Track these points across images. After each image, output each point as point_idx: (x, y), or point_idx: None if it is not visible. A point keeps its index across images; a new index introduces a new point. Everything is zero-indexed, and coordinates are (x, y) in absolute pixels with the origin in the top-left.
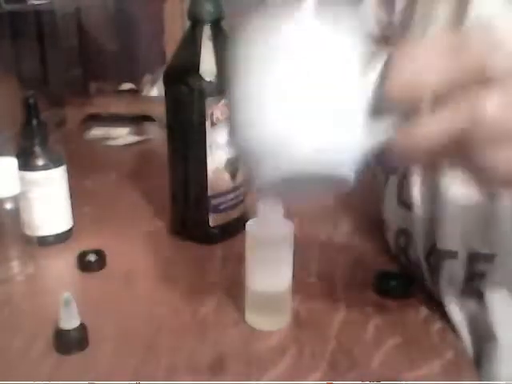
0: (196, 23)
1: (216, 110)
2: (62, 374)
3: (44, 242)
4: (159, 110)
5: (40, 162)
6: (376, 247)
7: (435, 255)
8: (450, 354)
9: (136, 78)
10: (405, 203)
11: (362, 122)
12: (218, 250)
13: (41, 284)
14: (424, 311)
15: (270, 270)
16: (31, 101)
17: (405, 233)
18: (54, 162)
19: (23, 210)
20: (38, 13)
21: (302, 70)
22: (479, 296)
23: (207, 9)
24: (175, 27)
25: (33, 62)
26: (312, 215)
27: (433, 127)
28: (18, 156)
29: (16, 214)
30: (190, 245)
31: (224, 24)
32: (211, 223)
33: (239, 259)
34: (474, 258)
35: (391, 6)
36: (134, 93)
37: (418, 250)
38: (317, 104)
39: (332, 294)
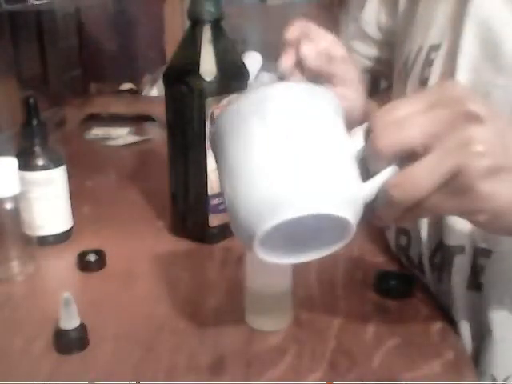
0: (196, 23)
1: (216, 110)
2: (62, 374)
3: (44, 241)
4: (159, 110)
5: (40, 162)
6: (376, 247)
7: (443, 252)
8: (449, 354)
9: (136, 78)
10: None
11: (354, 176)
12: (218, 250)
13: (41, 284)
14: (424, 311)
15: (269, 270)
16: (31, 101)
17: (405, 232)
18: (54, 162)
19: (23, 209)
20: (37, 13)
21: (289, 133)
22: (480, 291)
23: (207, 9)
24: (175, 27)
25: (33, 62)
26: None
27: (431, 167)
28: (17, 156)
29: (16, 213)
30: (190, 245)
31: (224, 24)
32: (211, 223)
33: (239, 259)
34: (476, 252)
35: (394, 8)
36: (134, 93)
37: (422, 248)
38: (309, 163)
39: (332, 294)
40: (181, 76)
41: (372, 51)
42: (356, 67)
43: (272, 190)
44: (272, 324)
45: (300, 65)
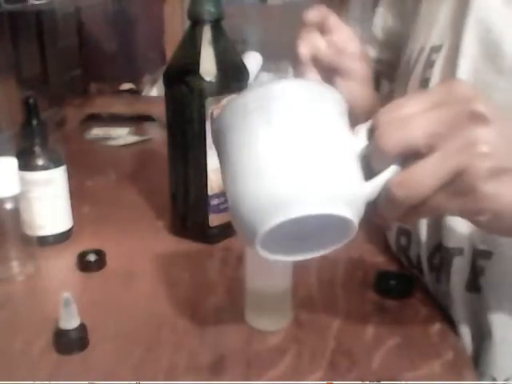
0: (196, 23)
1: (216, 110)
2: (62, 374)
3: (44, 241)
4: (159, 110)
5: (40, 162)
6: (376, 247)
7: (442, 253)
8: (449, 354)
9: (136, 78)
10: None
11: (357, 175)
12: (218, 249)
13: (41, 284)
14: (424, 311)
15: (270, 269)
16: (31, 101)
17: (405, 233)
18: (54, 162)
19: (23, 209)
20: (37, 13)
21: (294, 131)
22: (479, 292)
23: (207, 9)
24: (175, 27)
25: (33, 62)
26: None
27: (434, 167)
28: (17, 156)
29: (16, 213)
30: (190, 245)
31: (224, 24)
32: (211, 223)
33: (239, 259)
34: (475, 254)
35: (403, 8)
36: (134, 93)
37: (421, 249)
38: (313, 162)
39: (332, 294)
40: (181, 76)
41: (373, 52)
42: (368, 63)
43: (276, 189)
44: (272, 324)
45: (313, 54)
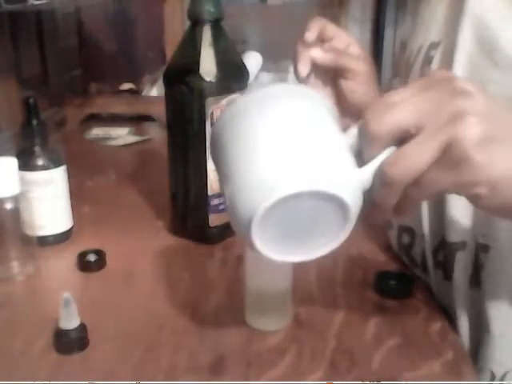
0: (196, 23)
1: (216, 109)
2: (62, 374)
3: (44, 241)
4: (159, 110)
5: (40, 162)
6: (376, 247)
7: (446, 249)
8: (449, 354)
9: (136, 78)
10: None
11: (349, 161)
12: (218, 250)
13: (41, 284)
14: (424, 311)
15: (269, 269)
16: (31, 101)
17: (408, 230)
18: (54, 162)
19: (23, 210)
20: (38, 13)
21: (286, 122)
22: (481, 287)
23: (207, 9)
24: (175, 27)
25: (33, 62)
26: None
27: (425, 142)
28: (18, 156)
29: (16, 213)
30: (190, 245)
31: (224, 24)
32: (211, 223)
33: (239, 259)
34: (477, 248)
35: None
36: (134, 93)
37: (425, 246)
38: (305, 146)
39: (332, 294)
40: (181, 76)
41: None
42: (369, 63)
43: (268, 172)
44: (272, 324)
45: (312, 65)
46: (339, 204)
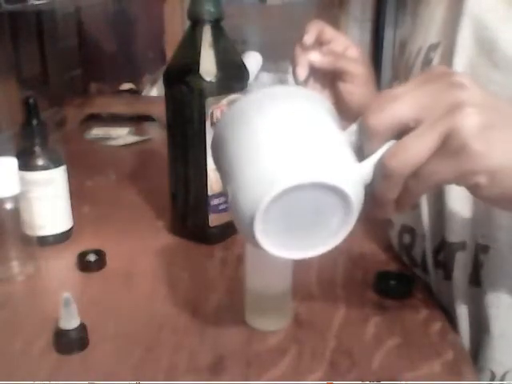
0: (196, 23)
1: (216, 109)
2: (62, 374)
3: (44, 241)
4: (159, 110)
5: (40, 162)
6: (376, 247)
7: (446, 249)
8: (449, 354)
9: (136, 78)
10: None
11: (349, 155)
12: (218, 250)
13: (41, 284)
14: (424, 311)
15: (270, 269)
16: (31, 101)
17: (409, 230)
18: (54, 162)
19: (23, 210)
20: (38, 13)
21: (286, 118)
22: (480, 287)
23: (207, 9)
24: (175, 27)
25: (33, 62)
26: None
27: (424, 134)
28: (18, 156)
29: (16, 213)
30: (190, 245)
31: (224, 24)
32: (211, 223)
33: (239, 259)
34: (476, 248)
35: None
36: (134, 93)
37: (426, 246)
38: (305, 141)
39: (332, 294)
40: (181, 76)
41: None
42: (367, 66)
43: (269, 166)
44: (272, 324)
45: (310, 68)
46: (341, 197)
